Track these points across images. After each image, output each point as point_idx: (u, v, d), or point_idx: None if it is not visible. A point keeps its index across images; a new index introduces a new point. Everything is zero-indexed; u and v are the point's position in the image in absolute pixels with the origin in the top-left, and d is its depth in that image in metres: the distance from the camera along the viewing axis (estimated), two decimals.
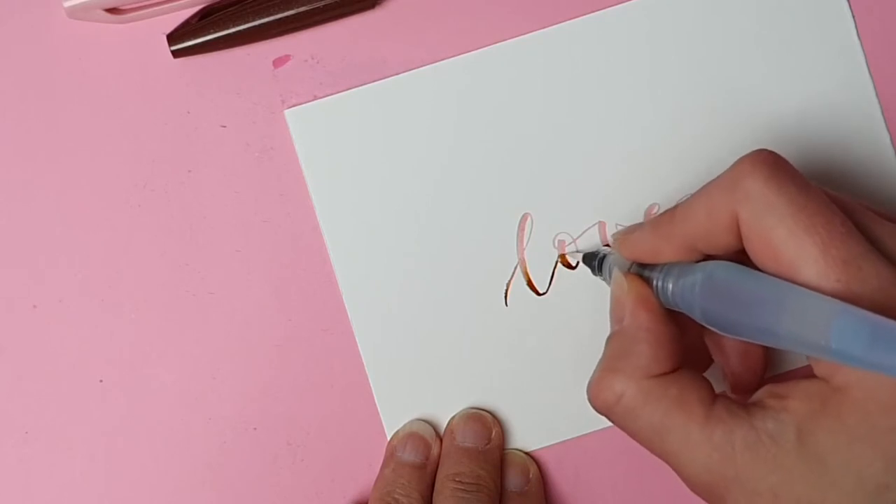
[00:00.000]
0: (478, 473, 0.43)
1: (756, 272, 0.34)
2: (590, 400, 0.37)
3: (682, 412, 0.35)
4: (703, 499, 0.35)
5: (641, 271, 0.38)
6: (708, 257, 0.37)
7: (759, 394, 0.35)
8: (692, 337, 0.40)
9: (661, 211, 0.39)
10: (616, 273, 0.39)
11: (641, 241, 0.38)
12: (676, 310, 0.37)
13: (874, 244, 0.33)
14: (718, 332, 0.35)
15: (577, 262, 0.44)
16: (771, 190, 0.34)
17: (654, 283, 0.37)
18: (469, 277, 0.44)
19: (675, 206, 0.37)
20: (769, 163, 0.34)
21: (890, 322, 0.30)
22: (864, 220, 0.34)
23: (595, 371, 0.37)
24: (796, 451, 0.33)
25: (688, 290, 0.36)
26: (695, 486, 0.35)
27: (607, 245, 0.44)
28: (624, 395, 0.36)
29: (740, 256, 0.35)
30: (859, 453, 0.32)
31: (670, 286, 0.37)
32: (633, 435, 0.36)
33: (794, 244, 0.33)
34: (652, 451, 0.36)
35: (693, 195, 0.36)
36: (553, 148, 0.44)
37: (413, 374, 0.44)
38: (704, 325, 0.35)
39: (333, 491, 0.45)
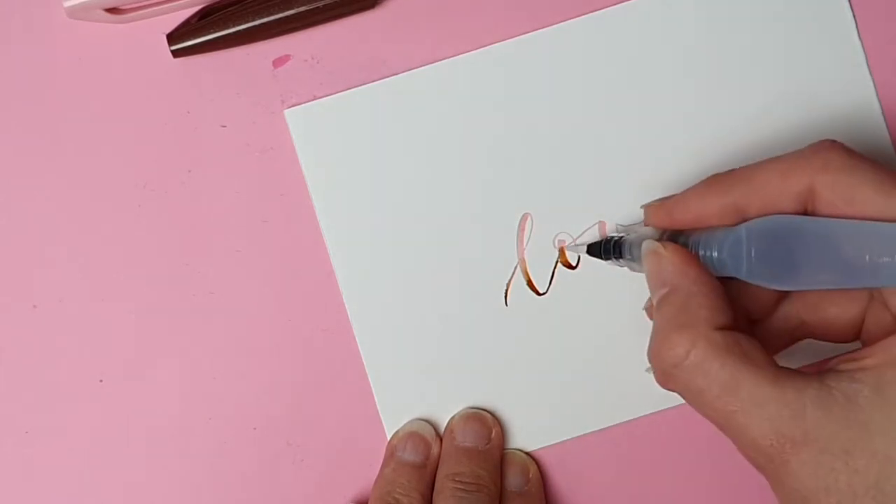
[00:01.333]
0: (478, 473, 0.43)
1: (808, 219, 0.35)
2: (654, 363, 0.36)
3: (752, 367, 0.34)
4: (761, 466, 0.34)
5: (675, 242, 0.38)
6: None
7: (831, 363, 0.35)
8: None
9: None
10: (648, 243, 0.39)
11: (684, 204, 0.38)
12: (724, 274, 0.37)
13: None
14: (772, 285, 0.35)
15: (578, 259, 0.44)
16: (854, 158, 0.35)
17: (693, 251, 0.37)
18: (469, 277, 0.44)
19: (722, 174, 0.38)
20: (844, 144, 0.36)
21: None
22: None
23: (654, 335, 0.37)
24: (873, 404, 0.33)
25: (734, 246, 0.36)
26: (756, 450, 0.34)
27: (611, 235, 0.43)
28: (693, 349, 0.35)
29: None
30: None
31: (716, 254, 0.36)
32: (698, 395, 0.35)
33: (879, 193, 0.34)
34: (715, 411, 0.35)
35: (753, 164, 0.37)
36: (553, 148, 0.44)
37: (413, 374, 0.44)
38: (754, 279, 0.35)
39: (333, 491, 0.45)
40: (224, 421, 0.44)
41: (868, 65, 0.44)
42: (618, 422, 0.44)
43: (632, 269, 0.41)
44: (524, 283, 0.44)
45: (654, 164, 0.44)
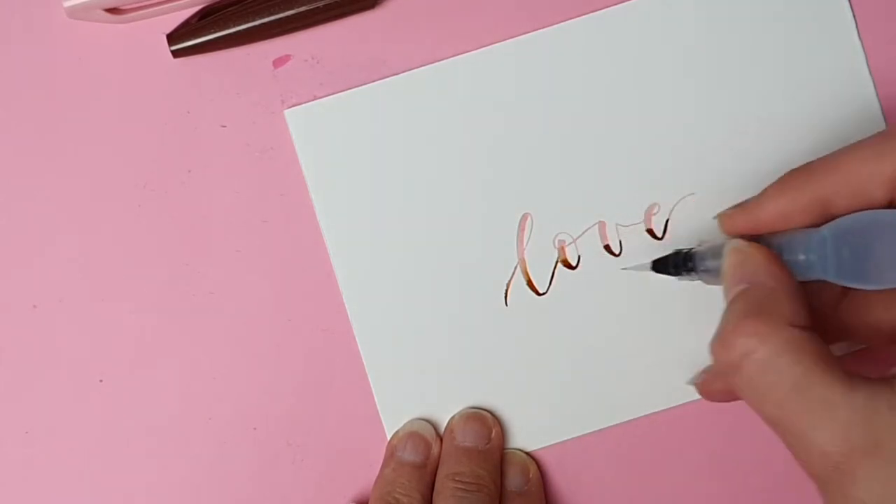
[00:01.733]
0: (478, 473, 0.43)
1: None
2: (717, 353, 0.34)
3: (824, 369, 0.32)
4: (821, 475, 0.32)
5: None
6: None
7: None
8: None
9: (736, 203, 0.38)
10: (733, 241, 0.37)
11: (764, 205, 0.37)
12: (809, 277, 0.35)
13: None
14: (859, 285, 0.34)
15: (578, 259, 0.44)
16: None
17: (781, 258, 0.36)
18: (469, 277, 0.44)
19: (798, 168, 0.36)
20: None
21: None
22: None
23: (722, 326, 0.35)
24: None
25: (819, 246, 0.34)
26: (821, 457, 0.32)
27: (679, 248, 0.41)
28: (765, 344, 0.33)
29: None
30: None
31: (801, 257, 0.35)
32: (763, 392, 0.33)
33: None
34: (781, 411, 0.33)
35: (834, 153, 0.36)
36: (553, 148, 0.44)
37: (413, 374, 0.44)
38: (840, 281, 0.34)
39: (333, 491, 0.45)
40: (224, 421, 0.44)
41: (868, 65, 0.44)
42: (618, 422, 0.44)
43: (706, 281, 0.39)
44: (524, 283, 0.44)
45: (655, 164, 0.44)
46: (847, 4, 0.44)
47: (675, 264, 0.40)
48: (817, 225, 0.36)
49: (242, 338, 0.44)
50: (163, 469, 0.44)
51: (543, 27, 0.44)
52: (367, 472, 0.44)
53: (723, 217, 0.39)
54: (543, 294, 0.44)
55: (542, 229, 0.44)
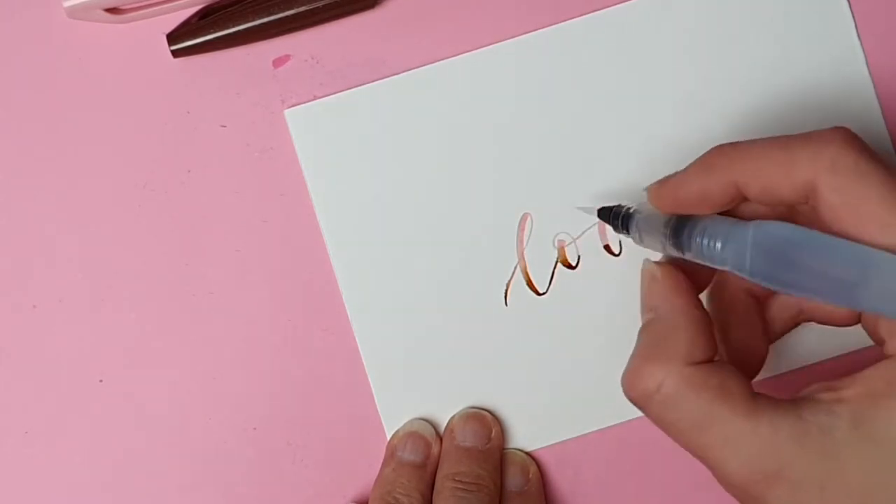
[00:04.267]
0: (478, 473, 0.43)
1: (819, 234, 0.34)
2: (625, 391, 0.36)
3: (725, 402, 0.34)
4: (740, 499, 0.34)
5: (679, 232, 0.38)
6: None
7: (809, 390, 0.34)
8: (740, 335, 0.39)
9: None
10: (646, 262, 0.39)
11: (686, 184, 0.37)
12: (723, 268, 0.36)
13: None
14: (771, 286, 0.34)
15: (578, 259, 0.44)
16: (862, 159, 0.34)
17: (698, 241, 0.37)
18: (469, 277, 0.44)
19: (724, 147, 0.36)
20: (855, 137, 0.35)
21: None
22: None
23: (630, 362, 0.36)
24: (849, 438, 0.32)
25: (739, 244, 0.35)
26: (733, 484, 0.34)
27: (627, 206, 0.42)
28: (664, 384, 0.35)
29: (778, 213, 0.36)
30: None
31: (718, 245, 0.36)
32: (669, 427, 0.35)
33: (885, 209, 0.33)
34: (688, 445, 0.35)
35: (759, 142, 0.36)
36: (553, 148, 0.44)
37: (413, 374, 0.44)
38: (753, 279, 0.34)
39: (333, 491, 0.45)
40: (224, 421, 0.44)
41: (868, 65, 0.44)
42: (618, 422, 0.44)
43: (635, 242, 0.41)
44: (524, 282, 0.44)
45: (655, 164, 0.44)
46: (847, 4, 0.44)
47: (615, 217, 0.41)
48: (737, 204, 0.37)
49: (242, 338, 0.44)
50: (163, 469, 0.44)
51: (543, 27, 0.44)
52: (367, 472, 0.44)
53: (650, 190, 0.39)
54: (543, 294, 0.44)
55: (542, 229, 0.44)
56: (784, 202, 0.35)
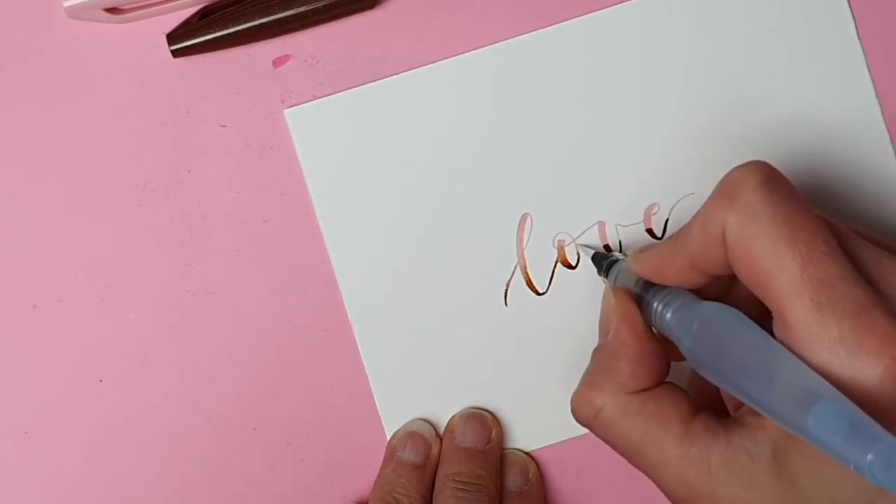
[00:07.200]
0: (478, 473, 0.43)
1: (752, 326, 0.33)
2: (572, 411, 0.38)
3: (658, 428, 0.36)
4: None
5: (645, 292, 0.38)
6: (707, 290, 0.37)
7: (741, 411, 0.35)
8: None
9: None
10: (606, 287, 0.40)
11: (650, 259, 0.38)
12: (670, 337, 0.37)
13: (857, 267, 0.33)
14: (703, 375, 0.35)
15: (578, 259, 0.44)
16: (759, 199, 0.33)
17: (654, 306, 0.37)
18: (469, 277, 0.44)
19: (684, 227, 0.37)
20: (761, 173, 0.34)
21: (867, 419, 0.29)
22: (850, 242, 0.34)
23: (579, 384, 0.38)
24: (771, 469, 0.33)
25: (683, 326, 0.36)
26: (673, 500, 0.36)
27: (619, 252, 0.44)
28: (602, 410, 0.37)
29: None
30: (832, 477, 0.32)
31: (668, 315, 0.37)
32: (612, 446, 0.37)
33: (774, 256, 0.33)
34: (630, 462, 0.37)
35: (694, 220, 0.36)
36: (553, 148, 0.44)
37: (413, 374, 0.44)
38: (692, 363, 0.35)
39: (333, 491, 0.45)
40: (224, 421, 0.44)
41: (868, 65, 0.44)
42: None
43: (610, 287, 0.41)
44: (524, 282, 0.44)
45: (654, 164, 0.44)
46: (847, 4, 0.44)
47: (599, 263, 0.43)
48: (699, 282, 0.37)
49: (242, 338, 0.44)
50: (163, 469, 0.44)
51: (543, 27, 0.44)
52: (367, 472, 0.44)
53: (630, 258, 0.40)
54: (543, 294, 0.44)
55: (542, 229, 0.44)
56: (726, 266, 0.35)
